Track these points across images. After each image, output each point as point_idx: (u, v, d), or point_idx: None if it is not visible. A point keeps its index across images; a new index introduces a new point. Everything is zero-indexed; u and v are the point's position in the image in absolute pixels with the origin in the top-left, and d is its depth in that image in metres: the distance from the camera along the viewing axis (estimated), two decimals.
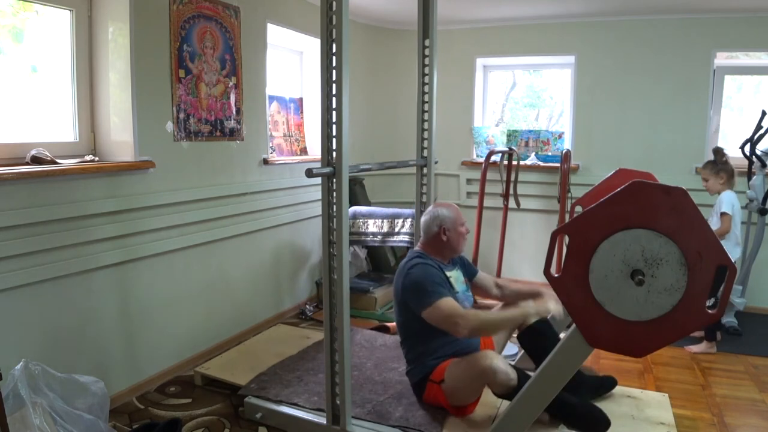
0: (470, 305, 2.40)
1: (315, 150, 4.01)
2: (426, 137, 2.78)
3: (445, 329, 2.14)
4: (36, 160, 2.19)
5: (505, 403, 2.18)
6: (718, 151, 3.21)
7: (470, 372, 2.07)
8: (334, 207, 1.96)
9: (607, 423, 2.08)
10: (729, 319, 3.42)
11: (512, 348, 2.84)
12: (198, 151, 2.88)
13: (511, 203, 4.20)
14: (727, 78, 4.02)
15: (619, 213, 1.55)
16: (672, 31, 3.86)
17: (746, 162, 3.50)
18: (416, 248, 2.40)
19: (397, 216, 3.69)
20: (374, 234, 3.74)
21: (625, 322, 1.58)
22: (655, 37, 3.90)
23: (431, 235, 2.33)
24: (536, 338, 2.46)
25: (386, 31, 4.59)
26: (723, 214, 3.09)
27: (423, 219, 2.38)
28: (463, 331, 2.07)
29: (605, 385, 2.46)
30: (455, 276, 2.36)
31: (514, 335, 2.64)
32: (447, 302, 2.13)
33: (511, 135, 4.49)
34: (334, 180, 1.95)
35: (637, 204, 1.53)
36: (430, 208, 2.39)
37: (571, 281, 1.61)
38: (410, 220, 3.61)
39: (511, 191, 4.15)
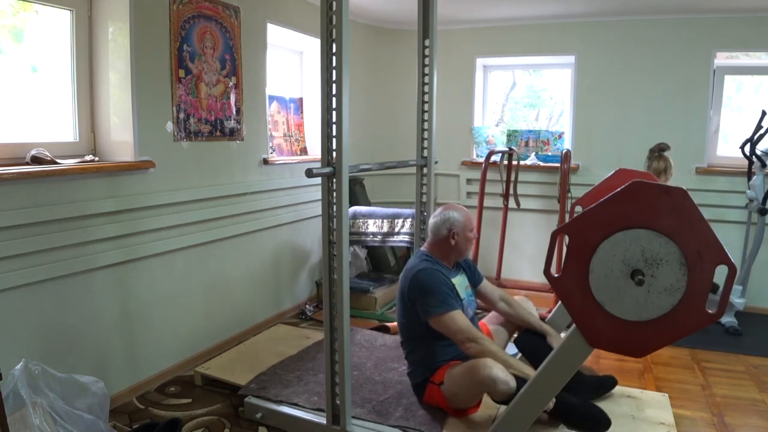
0: (473, 311, 2.40)
1: (315, 150, 4.01)
2: (426, 137, 2.78)
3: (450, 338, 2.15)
4: (36, 160, 2.19)
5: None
6: (651, 149, 3.21)
7: (470, 380, 2.06)
8: (334, 207, 1.96)
9: (607, 423, 2.08)
10: (729, 319, 3.42)
11: (511, 348, 2.83)
12: (198, 151, 2.88)
13: (511, 203, 4.20)
14: (727, 78, 4.02)
15: (619, 213, 1.55)
16: (672, 31, 3.86)
17: (746, 162, 3.50)
18: (422, 249, 2.38)
19: (397, 216, 3.69)
20: (374, 234, 3.74)
21: (625, 322, 1.58)
22: (655, 37, 3.90)
23: (440, 237, 2.30)
24: (534, 341, 2.46)
25: (386, 31, 4.59)
26: None
27: (432, 220, 2.34)
28: (470, 351, 2.09)
29: (605, 385, 2.45)
30: (459, 282, 2.34)
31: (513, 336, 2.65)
32: (458, 317, 2.13)
33: (511, 135, 4.49)
34: (334, 180, 1.95)
35: (637, 204, 1.53)
36: (440, 209, 2.35)
37: (571, 281, 1.61)
38: (410, 220, 3.61)
39: (511, 191, 4.16)
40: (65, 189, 2.21)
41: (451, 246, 2.29)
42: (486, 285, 2.55)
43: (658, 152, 3.20)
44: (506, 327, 2.57)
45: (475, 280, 2.50)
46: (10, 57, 2.30)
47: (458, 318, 2.13)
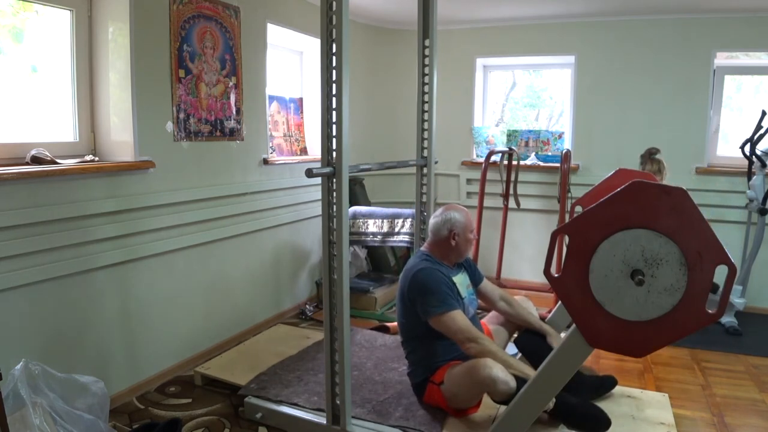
0: (475, 309, 2.40)
1: (315, 150, 4.01)
2: (426, 137, 2.78)
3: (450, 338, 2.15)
4: (36, 160, 2.19)
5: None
6: (642, 155, 3.26)
7: (470, 379, 2.06)
8: (334, 207, 1.96)
9: (607, 423, 2.08)
10: (729, 319, 3.42)
11: (511, 348, 2.83)
12: (198, 151, 2.88)
13: (511, 203, 4.20)
14: (727, 78, 4.02)
15: (619, 213, 1.55)
16: (672, 31, 3.86)
17: (746, 162, 3.50)
18: (423, 249, 2.38)
19: (397, 216, 3.69)
20: (374, 234, 3.74)
21: (625, 322, 1.58)
22: (655, 37, 3.90)
23: (440, 237, 2.30)
24: (534, 341, 2.46)
25: (386, 31, 4.59)
26: None
27: (433, 220, 2.34)
28: (470, 351, 2.09)
29: (605, 385, 2.45)
30: (460, 280, 2.34)
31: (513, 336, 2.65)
32: (458, 316, 2.13)
33: (511, 135, 4.49)
34: (334, 180, 1.95)
35: (637, 204, 1.53)
36: (440, 209, 2.35)
37: (571, 281, 1.61)
38: (410, 220, 3.61)
39: (511, 191, 4.16)
40: (65, 189, 2.21)
41: (452, 247, 2.30)
42: (486, 284, 2.55)
43: (648, 156, 3.22)
44: (506, 327, 2.58)
45: (475, 279, 2.50)
46: (10, 57, 2.30)
47: (458, 318, 2.13)
